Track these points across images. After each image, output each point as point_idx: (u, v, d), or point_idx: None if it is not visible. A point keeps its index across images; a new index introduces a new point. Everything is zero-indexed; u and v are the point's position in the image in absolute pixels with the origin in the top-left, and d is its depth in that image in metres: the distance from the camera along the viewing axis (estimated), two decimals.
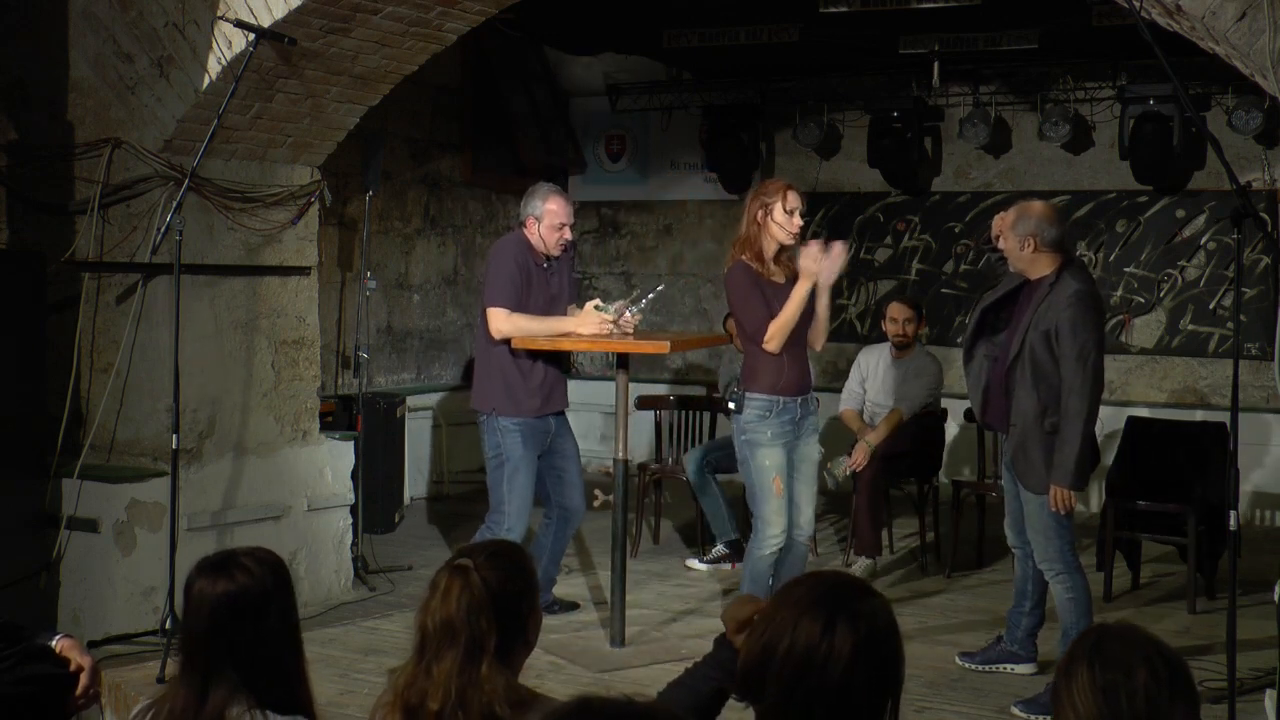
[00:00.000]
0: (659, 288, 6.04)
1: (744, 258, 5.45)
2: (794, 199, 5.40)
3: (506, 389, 5.82)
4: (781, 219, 5.38)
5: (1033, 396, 5.04)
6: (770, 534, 5.40)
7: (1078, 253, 9.53)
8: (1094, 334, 4.97)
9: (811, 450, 5.59)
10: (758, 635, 2.05)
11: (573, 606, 6.35)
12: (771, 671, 2.00)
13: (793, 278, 5.37)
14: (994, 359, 5.29)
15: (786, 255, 5.47)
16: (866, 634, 1.99)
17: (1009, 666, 5.46)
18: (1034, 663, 5.46)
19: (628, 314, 5.69)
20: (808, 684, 1.98)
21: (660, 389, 9.79)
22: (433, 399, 9.54)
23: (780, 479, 5.41)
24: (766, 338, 5.34)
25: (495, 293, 5.77)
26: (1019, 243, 5.09)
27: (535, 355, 5.83)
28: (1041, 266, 5.09)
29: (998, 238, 5.25)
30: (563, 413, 6.06)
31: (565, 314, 5.92)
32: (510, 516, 5.80)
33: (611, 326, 5.68)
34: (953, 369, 9.09)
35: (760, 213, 5.44)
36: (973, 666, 5.49)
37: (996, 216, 5.31)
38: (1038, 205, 5.18)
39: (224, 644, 2.48)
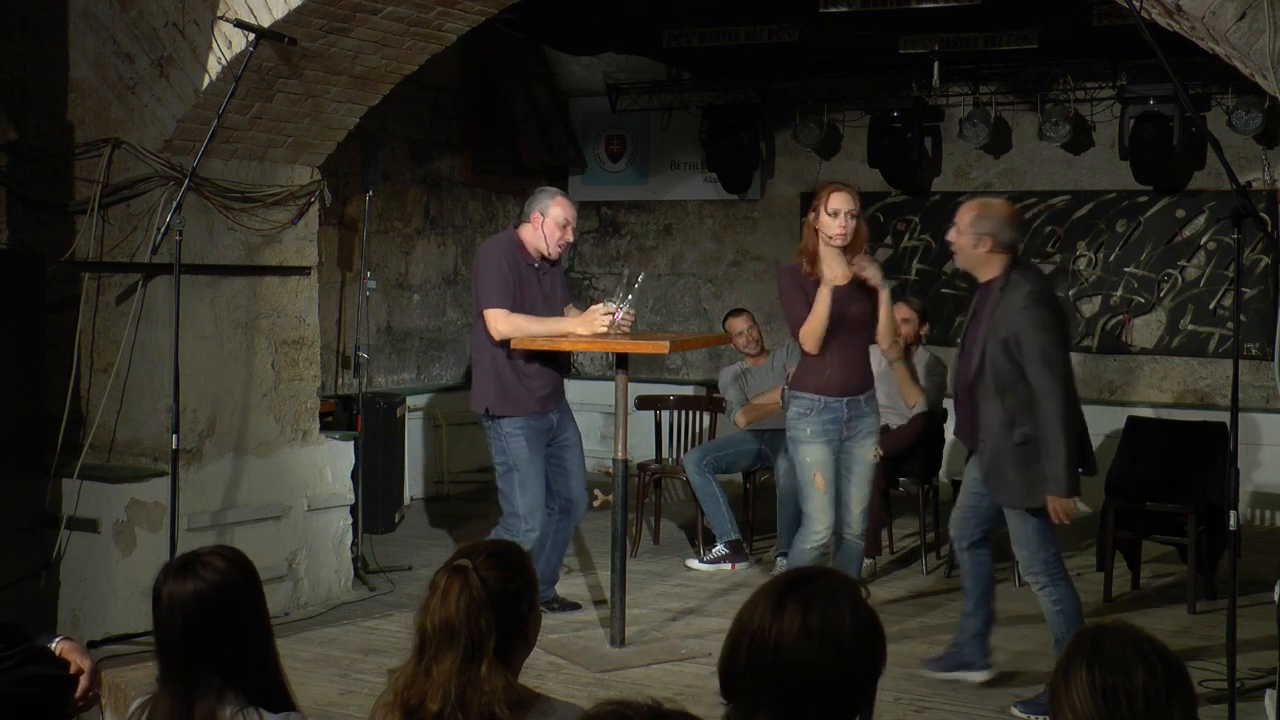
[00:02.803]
0: (640, 276, 6.02)
1: (799, 260, 5.57)
2: (836, 200, 5.43)
3: (504, 390, 5.82)
4: (824, 221, 5.45)
5: (998, 409, 4.88)
6: (813, 529, 5.53)
7: (1077, 253, 9.55)
8: (1054, 333, 4.82)
9: (865, 452, 5.61)
10: (730, 634, 2.06)
11: (574, 606, 6.35)
12: (739, 667, 2.01)
13: (858, 280, 5.46)
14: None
15: (856, 258, 5.50)
16: (820, 614, 1.98)
17: (965, 674, 5.23)
18: (988, 669, 5.24)
19: (619, 313, 5.66)
20: (765, 669, 1.98)
21: (686, 390, 9.79)
22: (433, 399, 9.55)
23: (821, 474, 5.51)
24: (800, 338, 5.49)
25: (490, 294, 5.75)
26: (974, 240, 4.94)
27: (533, 356, 5.83)
28: (992, 268, 4.96)
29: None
30: (564, 402, 6.08)
31: (561, 315, 5.92)
32: (526, 519, 5.81)
33: (607, 327, 5.66)
34: (952, 368, 9.10)
35: (811, 216, 5.53)
36: (934, 674, 5.27)
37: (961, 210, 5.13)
38: (999, 205, 5.07)
39: (202, 645, 2.47)
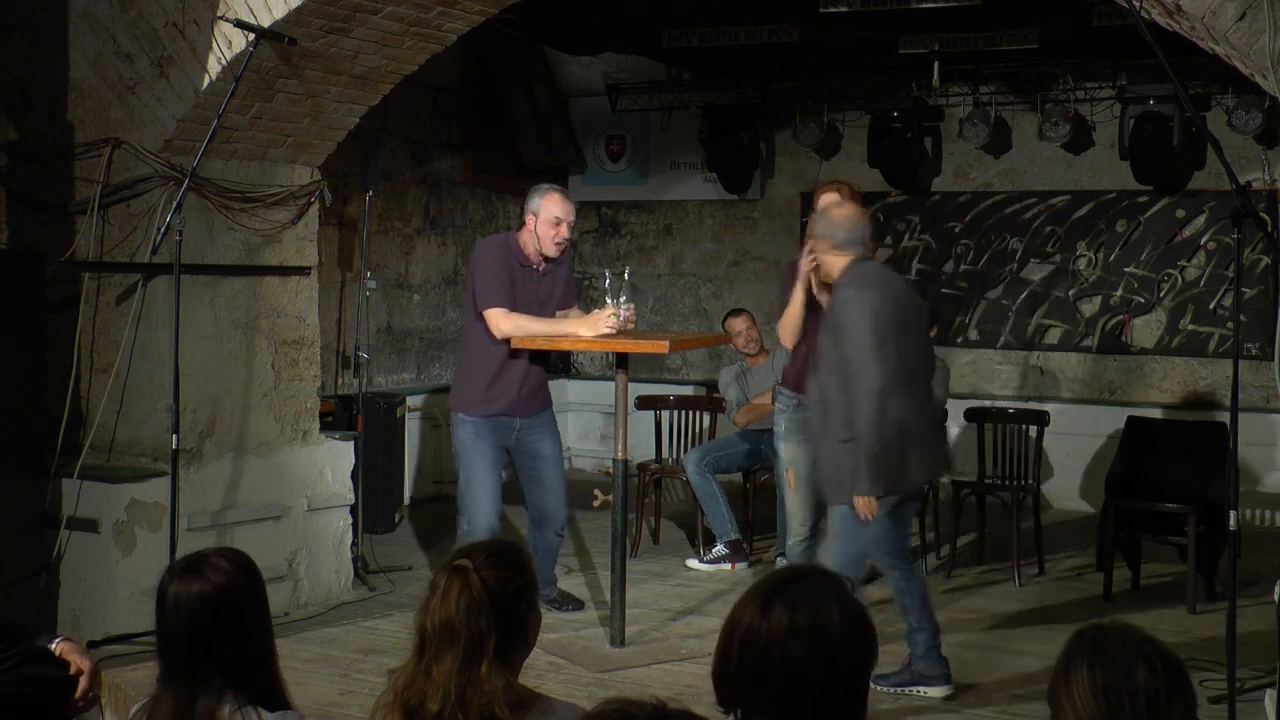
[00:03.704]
0: (625, 273, 5.98)
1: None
2: (824, 199, 5.53)
3: (476, 389, 5.83)
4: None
5: (826, 408, 4.87)
6: (792, 526, 5.62)
7: (1077, 253, 9.55)
8: (865, 329, 4.72)
9: None
10: (720, 638, 2.06)
11: (578, 605, 6.32)
12: (731, 669, 2.01)
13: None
14: None
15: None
16: (808, 612, 1.98)
17: (920, 690, 5.06)
18: (948, 684, 5.07)
19: (623, 313, 5.66)
20: (757, 670, 1.98)
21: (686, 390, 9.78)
22: (433, 399, 9.54)
23: (793, 473, 5.55)
24: (777, 329, 5.62)
25: (488, 294, 5.73)
26: (818, 243, 5.01)
27: (517, 358, 5.81)
28: (836, 270, 4.97)
29: None
30: (542, 413, 6.03)
31: (556, 317, 5.90)
32: (469, 506, 5.78)
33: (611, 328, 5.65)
34: (955, 369, 9.10)
35: (813, 213, 5.61)
36: (886, 689, 5.07)
37: None
38: (843, 209, 5.09)
39: (205, 646, 2.47)
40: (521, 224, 5.92)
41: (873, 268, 5.01)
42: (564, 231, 5.80)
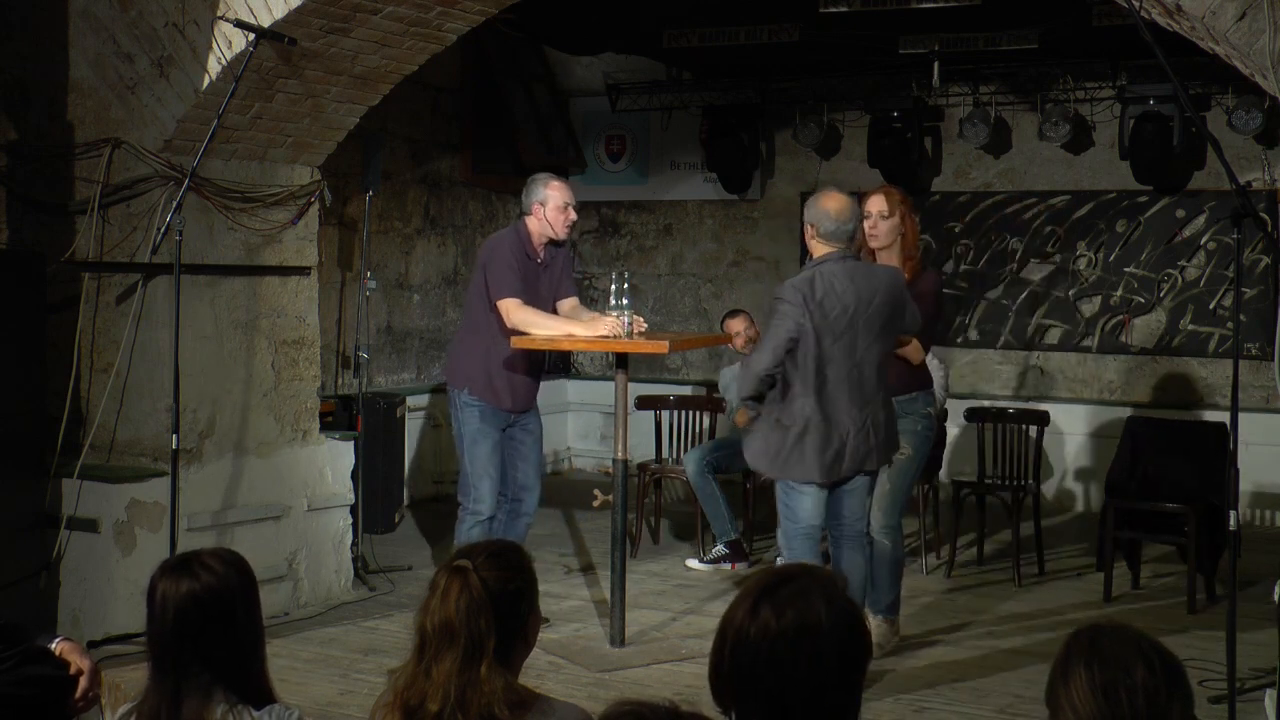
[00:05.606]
0: (626, 275, 6.02)
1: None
2: (867, 204, 5.59)
3: (496, 379, 5.90)
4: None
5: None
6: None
7: (1077, 253, 9.55)
8: (774, 320, 4.99)
9: None
10: (715, 639, 2.06)
11: None
12: (725, 670, 2.02)
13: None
14: None
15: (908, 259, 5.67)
16: (796, 612, 1.98)
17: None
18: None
19: (626, 321, 5.68)
20: (747, 671, 1.98)
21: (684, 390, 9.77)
22: (433, 399, 9.54)
23: None
24: None
25: (503, 286, 5.80)
26: (806, 227, 5.14)
27: (531, 359, 5.91)
28: (818, 255, 5.11)
29: None
30: (533, 409, 6.15)
31: (556, 310, 5.98)
32: (478, 485, 5.86)
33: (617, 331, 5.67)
34: (953, 369, 9.10)
35: None
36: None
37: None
38: (831, 195, 5.13)
39: (192, 645, 2.48)
40: (523, 214, 5.99)
41: (826, 269, 5.01)
42: (572, 214, 6.00)
